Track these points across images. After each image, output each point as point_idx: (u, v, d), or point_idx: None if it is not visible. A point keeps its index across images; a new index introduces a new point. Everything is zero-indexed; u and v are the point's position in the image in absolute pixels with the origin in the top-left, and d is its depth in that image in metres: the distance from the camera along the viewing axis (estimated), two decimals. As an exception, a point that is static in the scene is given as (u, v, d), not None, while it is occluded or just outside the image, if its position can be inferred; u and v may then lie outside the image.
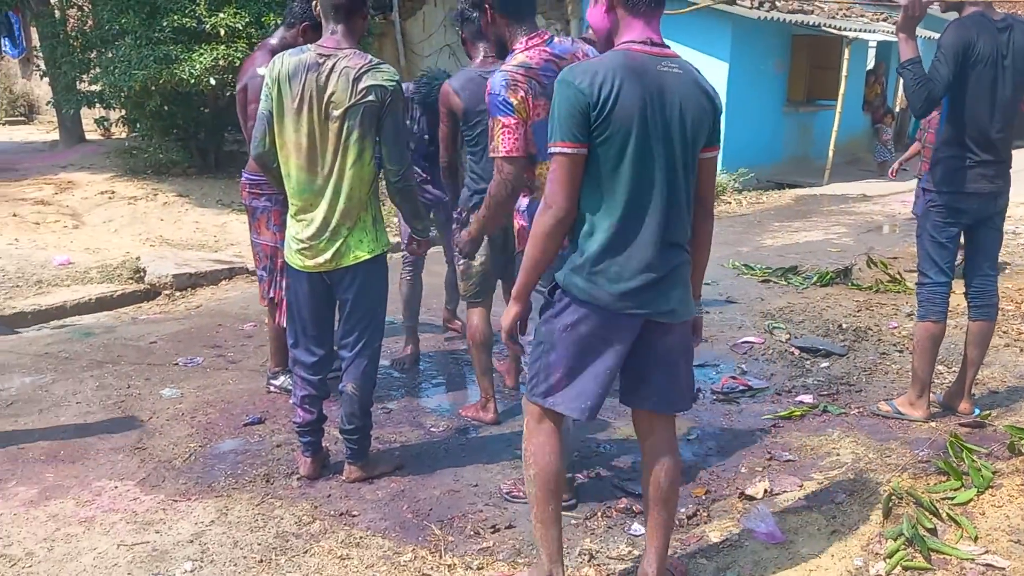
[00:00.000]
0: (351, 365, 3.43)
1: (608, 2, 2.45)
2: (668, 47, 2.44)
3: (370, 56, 3.21)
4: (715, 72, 12.05)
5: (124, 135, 12.17)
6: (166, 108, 9.89)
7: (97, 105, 10.68)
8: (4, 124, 16.88)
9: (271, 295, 4.33)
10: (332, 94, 3.13)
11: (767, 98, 12.96)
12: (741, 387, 4.63)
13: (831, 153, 12.40)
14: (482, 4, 3.19)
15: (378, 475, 3.56)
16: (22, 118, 17.62)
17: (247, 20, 9.28)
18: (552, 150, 2.35)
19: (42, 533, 3.11)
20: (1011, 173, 3.85)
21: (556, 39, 3.17)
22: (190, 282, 6.67)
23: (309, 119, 3.16)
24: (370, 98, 3.13)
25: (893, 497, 3.10)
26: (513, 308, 2.59)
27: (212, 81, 9.02)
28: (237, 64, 9.17)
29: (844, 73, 12.12)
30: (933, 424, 3.89)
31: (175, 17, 9.13)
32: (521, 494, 3.33)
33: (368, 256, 3.30)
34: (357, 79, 3.12)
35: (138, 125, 10.63)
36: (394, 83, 3.19)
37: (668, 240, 2.40)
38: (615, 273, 2.38)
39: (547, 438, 2.57)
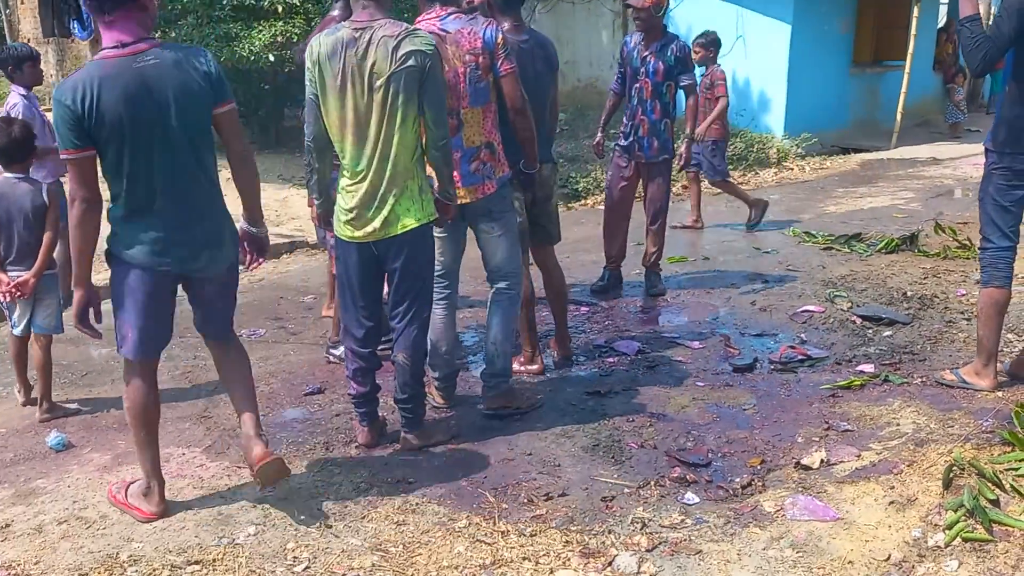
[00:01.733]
0: (401, 335, 3.49)
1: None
2: (143, 42, 2.81)
3: (405, 24, 3.26)
4: (777, 35, 11.79)
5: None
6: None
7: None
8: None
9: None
10: (373, 64, 3.18)
11: (832, 60, 12.60)
12: (800, 357, 4.57)
13: (899, 116, 12.03)
14: None
15: (433, 444, 3.62)
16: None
17: (305, -6, 9.36)
18: (63, 157, 2.79)
19: (114, 498, 3.24)
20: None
21: (454, 16, 3.58)
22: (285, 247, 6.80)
23: (353, 94, 3.21)
24: (410, 63, 3.17)
25: (954, 468, 3.04)
26: (77, 295, 2.92)
27: (271, 58, 9.14)
28: (295, 40, 9.28)
29: (913, 32, 11.72)
30: (999, 394, 3.79)
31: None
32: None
33: (415, 224, 3.32)
34: (396, 47, 3.17)
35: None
36: (432, 48, 3.24)
37: (187, 210, 2.93)
38: (148, 239, 2.87)
39: (134, 379, 3.09)
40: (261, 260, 3.31)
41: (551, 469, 3.44)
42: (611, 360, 4.62)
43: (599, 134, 6.01)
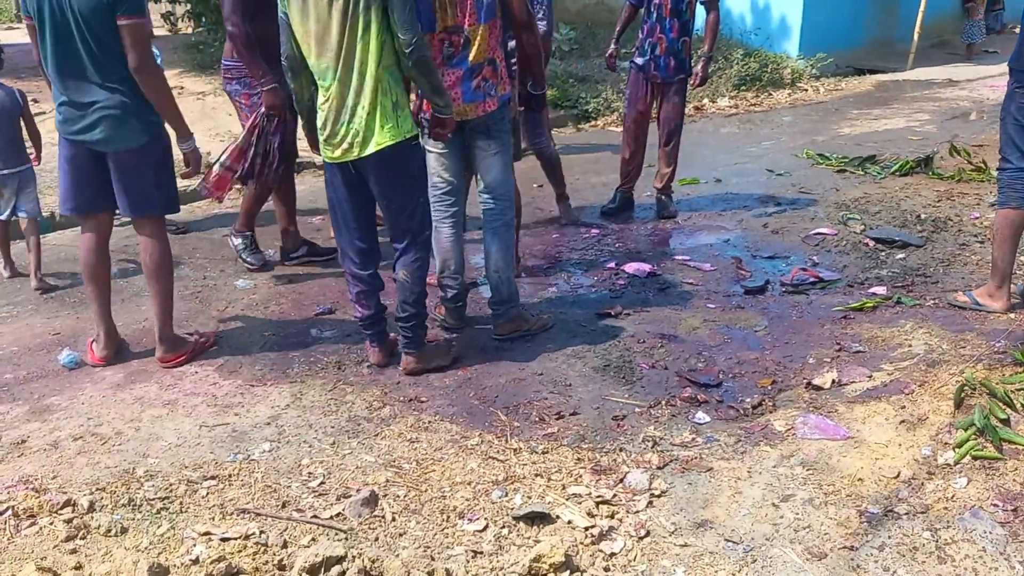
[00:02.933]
0: (401, 255, 3.48)
1: None
2: None
3: None
4: (793, -47, 11.46)
5: (191, 30, 12.19)
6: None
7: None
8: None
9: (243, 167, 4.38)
10: None
11: (849, -20, 12.29)
12: (811, 279, 4.54)
13: (916, 36, 11.76)
14: None
15: (434, 368, 3.61)
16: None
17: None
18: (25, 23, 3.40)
19: (129, 414, 3.27)
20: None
21: None
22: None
23: (316, 4, 3.10)
24: None
25: (966, 388, 3.04)
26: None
27: None
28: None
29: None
30: (1012, 316, 3.77)
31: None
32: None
33: (391, 142, 3.20)
34: None
35: (203, 19, 10.62)
36: None
37: (76, 90, 3.37)
38: (60, 110, 3.46)
39: (82, 236, 3.65)
40: (192, 173, 3.68)
41: (562, 389, 3.46)
42: (622, 283, 4.60)
43: (612, 46, 5.84)
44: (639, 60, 5.56)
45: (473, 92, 3.55)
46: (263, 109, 4.31)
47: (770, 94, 10.41)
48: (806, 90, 10.62)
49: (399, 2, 3.07)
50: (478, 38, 3.49)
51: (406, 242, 3.44)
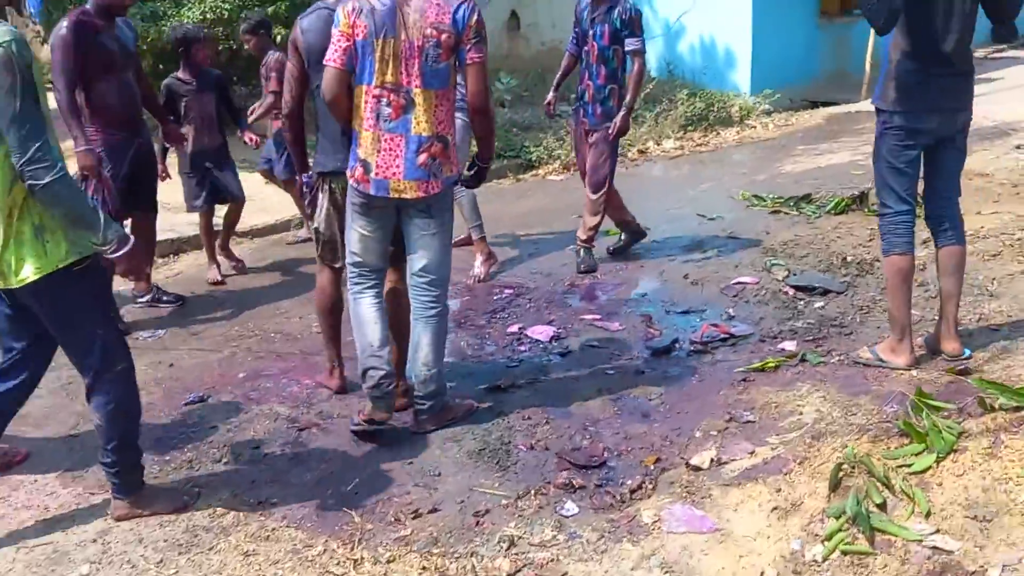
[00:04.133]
0: (89, 395, 2.90)
1: None
2: None
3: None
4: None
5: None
6: (161, 67, 9.68)
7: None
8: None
9: None
10: None
11: (799, 11, 12.19)
12: (721, 335, 4.29)
13: (868, 67, 11.63)
14: None
15: (150, 514, 3.02)
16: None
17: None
18: None
19: (-55, 535, 2.98)
20: (973, 86, 3.43)
21: None
22: (171, 248, 6.47)
23: None
24: None
25: (844, 466, 2.76)
26: None
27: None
28: (225, 17, 8.91)
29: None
30: (915, 373, 3.50)
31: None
32: None
33: (35, 277, 2.63)
34: None
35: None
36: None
37: None
38: None
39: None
40: None
41: (429, 480, 3.18)
42: (523, 348, 4.34)
43: (551, 93, 5.72)
44: (574, 106, 5.50)
45: (417, 168, 3.18)
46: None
47: (718, 133, 10.22)
48: (755, 127, 10.44)
49: (7, 113, 2.46)
50: (422, 104, 3.14)
51: (90, 379, 2.86)
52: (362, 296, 3.44)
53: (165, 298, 5.29)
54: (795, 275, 5.04)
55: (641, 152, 9.42)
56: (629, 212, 5.77)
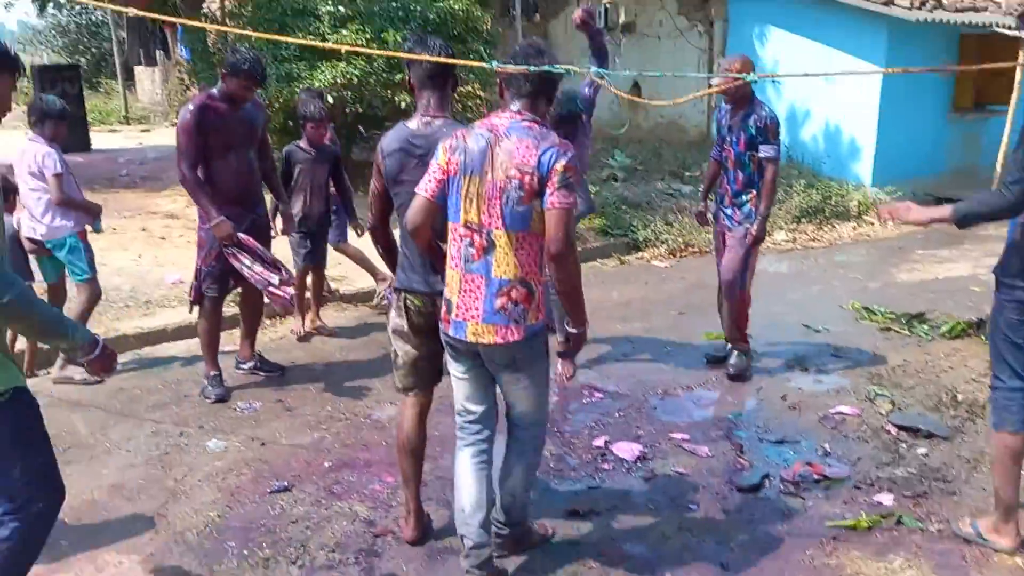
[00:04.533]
0: None
1: None
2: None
3: None
4: (869, 78, 11.11)
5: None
6: (291, 123, 10.11)
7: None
8: (172, 126, 17.92)
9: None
10: None
11: (928, 105, 11.84)
12: (815, 476, 4.12)
13: (999, 166, 11.14)
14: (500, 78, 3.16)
15: None
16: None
17: (368, 36, 9.32)
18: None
19: (31, 616, 3.10)
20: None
21: (528, 125, 3.01)
22: (279, 311, 6.69)
23: None
24: None
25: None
26: None
27: (330, 99, 9.11)
28: (356, 81, 9.25)
29: (1019, 77, 10.84)
30: (1020, 561, 3.28)
31: (301, 35, 9.28)
32: None
33: None
34: None
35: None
36: None
37: None
38: None
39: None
40: None
41: (494, 612, 3.14)
42: (606, 467, 4.27)
43: (701, 203, 5.76)
44: (714, 210, 5.49)
45: (495, 313, 3.01)
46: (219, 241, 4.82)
47: (833, 227, 9.97)
48: (872, 223, 10.14)
49: None
50: (503, 246, 2.98)
51: (3, 508, 2.59)
52: (461, 451, 3.30)
53: (266, 367, 5.47)
54: (900, 410, 4.83)
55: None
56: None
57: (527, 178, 2.92)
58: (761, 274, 8.19)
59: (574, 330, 3.17)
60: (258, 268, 4.85)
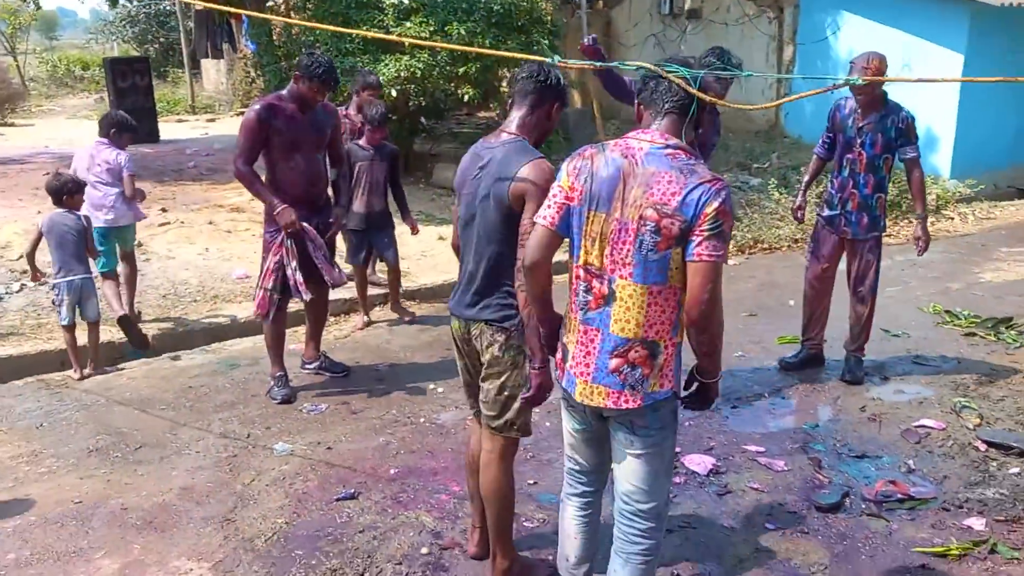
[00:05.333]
0: None
1: None
2: None
3: None
4: (948, 64, 10.68)
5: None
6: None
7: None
8: (237, 115, 18.12)
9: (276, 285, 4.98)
10: None
11: (1012, 93, 11.32)
12: (899, 495, 3.94)
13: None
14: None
15: None
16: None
17: (432, 29, 9.25)
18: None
19: (103, 624, 3.12)
20: None
21: (671, 154, 2.47)
22: (344, 307, 6.69)
23: None
24: None
25: None
26: None
27: (393, 92, 9.07)
28: (419, 75, 9.18)
29: (1110, 65, 10.33)
30: None
31: (364, 28, 9.25)
32: None
33: None
34: None
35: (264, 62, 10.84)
36: None
37: None
38: None
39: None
40: None
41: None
42: (678, 480, 4.14)
43: (800, 198, 5.55)
44: (827, 213, 5.27)
45: (608, 374, 2.58)
46: (282, 232, 4.80)
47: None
48: (952, 218, 9.75)
49: None
50: (626, 299, 2.52)
51: None
52: (567, 501, 2.98)
53: (332, 368, 5.45)
54: (988, 425, 4.60)
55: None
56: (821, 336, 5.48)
57: (667, 220, 2.42)
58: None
59: (707, 381, 2.72)
60: (320, 255, 4.92)
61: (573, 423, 2.83)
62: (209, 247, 8.24)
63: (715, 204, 2.39)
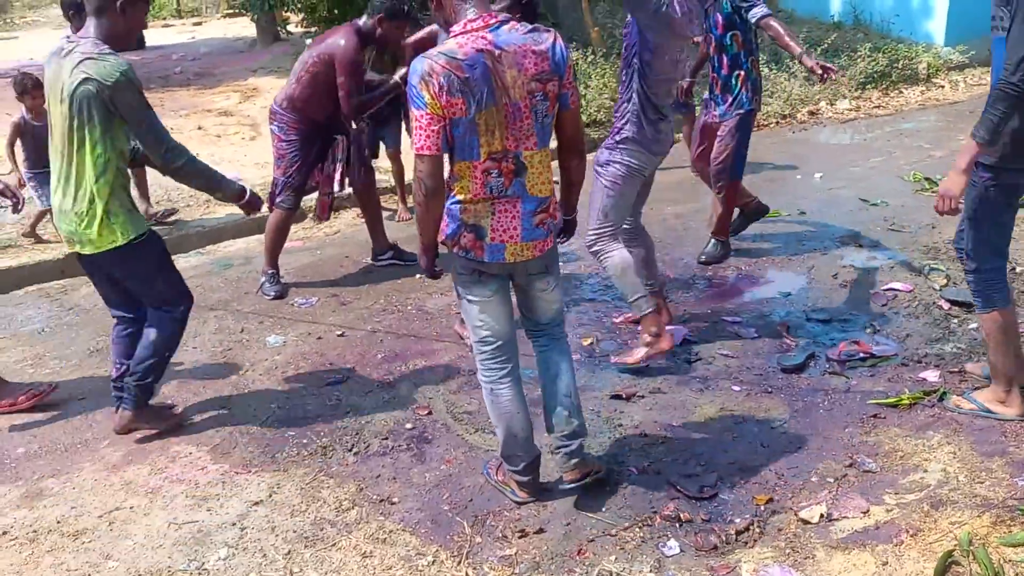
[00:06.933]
0: (148, 327, 3.70)
1: None
2: None
3: (103, 47, 3.28)
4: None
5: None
6: (336, 11, 10.00)
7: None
8: (224, 17, 17.84)
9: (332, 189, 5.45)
10: (62, 80, 3.29)
11: (1007, -48, 11.03)
12: (862, 354, 4.13)
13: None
14: None
15: (147, 428, 3.80)
16: (241, 12, 18.49)
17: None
18: None
19: (111, 503, 3.36)
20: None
21: (509, 26, 2.74)
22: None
23: (52, 102, 3.38)
24: (87, 87, 3.24)
25: (955, 552, 2.65)
26: None
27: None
28: None
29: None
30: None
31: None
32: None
33: (93, 251, 3.47)
34: (75, 67, 3.25)
35: (314, 30, 10.85)
36: (115, 76, 3.24)
37: None
38: None
39: None
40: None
41: (540, 496, 3.28)
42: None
43: (686, 79, 5.66)
44: (704, 96, 5.33)
45: (534, 229, 2.92)
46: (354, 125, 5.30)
47: (900, 92, 9.56)
48: (942, 86, 9.68)
49: (134, 124, 3.36)
50: (536, 164, 2.86)
51: (153, 316, 3.69)
52: (500, 385, 3.12)
53: (404, 257, 5.65)
54: (954, 285, 4.75)
55: (812, 113, 8.96)
56: (748, 194, 5.55)
57: (550, 85, 2.78)
58: (820, 147, 8.00)
59: (571, 216, 3.25)
60: (338, 172, 5.29)
61: (489, 288, 3.01)
62: (199, 152, 8.18)
63: (567, 52, 2.81)
